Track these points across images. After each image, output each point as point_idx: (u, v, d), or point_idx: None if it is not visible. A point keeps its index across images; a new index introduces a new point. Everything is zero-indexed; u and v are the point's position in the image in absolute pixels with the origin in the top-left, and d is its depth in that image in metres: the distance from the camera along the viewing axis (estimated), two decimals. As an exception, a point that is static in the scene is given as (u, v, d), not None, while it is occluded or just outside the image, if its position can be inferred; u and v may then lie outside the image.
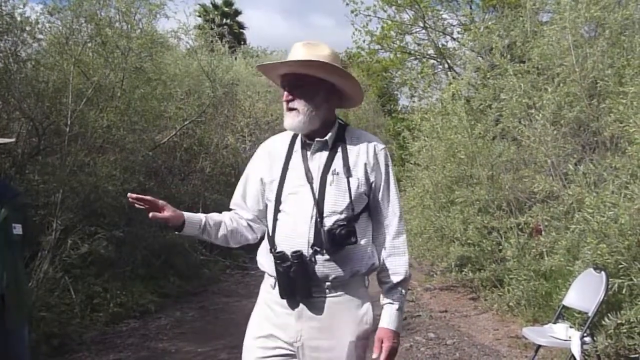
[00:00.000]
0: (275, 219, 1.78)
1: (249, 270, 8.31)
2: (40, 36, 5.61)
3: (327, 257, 1.70)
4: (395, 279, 1.78)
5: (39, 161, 5.42)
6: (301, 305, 1.72)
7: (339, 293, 1.74)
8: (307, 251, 1.69)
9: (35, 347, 4.05)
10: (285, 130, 1.88)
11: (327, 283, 1.72)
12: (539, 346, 3.78)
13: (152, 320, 5.57)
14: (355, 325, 1.75)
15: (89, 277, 5.36)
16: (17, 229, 2.43)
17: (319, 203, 1.72)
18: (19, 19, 5.15)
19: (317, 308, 1.72)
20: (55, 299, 4.71)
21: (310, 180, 1.74)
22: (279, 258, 1.69)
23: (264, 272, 1.86)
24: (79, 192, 5.35)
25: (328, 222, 1.69)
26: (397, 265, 1.79)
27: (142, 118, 6.74)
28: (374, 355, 1.74)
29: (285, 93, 1.78)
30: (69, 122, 5.30)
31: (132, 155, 6.43)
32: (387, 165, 1.83)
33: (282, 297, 1.72)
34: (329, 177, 1.75)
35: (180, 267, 7.13)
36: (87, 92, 5.58)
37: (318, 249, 1.69)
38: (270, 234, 1.79)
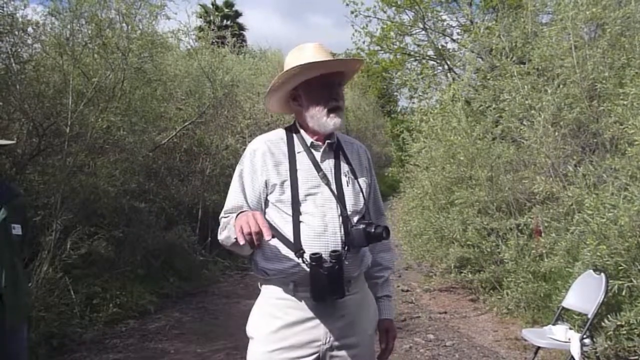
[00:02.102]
0: (297, 221, 1.71)
1: (248, 271, 8.29)
2: (42, 37, 5.62)
3: (354, 255, 1.74)
4: (387, 272, 1.98)
5: (39, 162, 5.42)
6: (330, 306, 1.70)
7: (357, 289, 1.79)
8: (341, 250, 1.69)
9: (34, 347, 4.05)
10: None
11: (351, 281, 1.75)
12: (539, 348, 3.78)
13: (151, 320, 5.57)
14: (372, 318, 1.85)
15: (88, 278, 5.36)
16: (17, 230, 2.42)
17: (341, 203, 1.74)
18: (20, 20, 5.16)
19: (344, 307, 1.73)
20: (55, 299, 4.71)
21: (326, 181, 1.75)
22: (316, 260, 1.63)
23: (267, 279, 1.76)
24: (79, 192, 5.35)
25: (354, 222, 1.75)
26: (388, 260, 1.98)
27: (142, 119, 6.74)
28: (383, 345, 1.89)
29: (336, 91, 1.78)
30: (69, 123, 5.30)
31: (132, 156, 6.43)
32: (372, 168, 1.96)
33: (316, 300, 1.67)
34: (343, 179, 1.79)
35: (180, 267, 7.13)
36: (87, 93, 5.58)
37: (349, 248, 1.72)
38: (293, 236, 1.70)
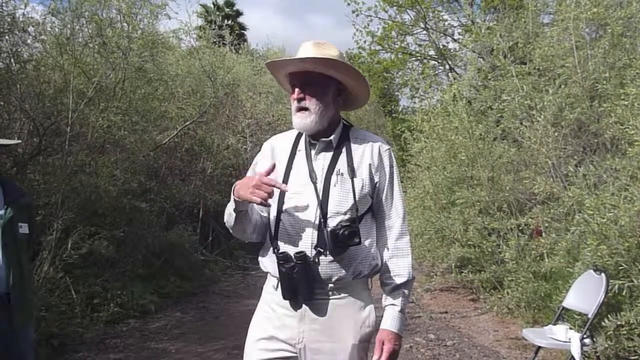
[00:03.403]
0: (277, 219, 1.74)
1: (249, 271, 8.31)
2: (43, 37, 5.63)
3: (330, 258, 1.68)
4: (398, 280, 1.77)
5: (39, 161, 5.43)
6: (304, 306, 1.70)
7: (342, 295, 1.72)
8: (310, 252, 1.67)
9: (35, 347, 4.05)
10: (291, 128, 1.87)
11: (330, 285, 1.70)
12: (539, 347, 3.78)
13: (152, 320, 5.58)
14: (357, 328, 1.73)
15: (89, 277, 5.36)
16: (23, 228, 2.44)
17: (323, 204, 1.70)
18: (20, 19, 5.16)
19: (319, 310, 1.70)
20: (56, 299, 4.71)
21: (314, 180, 1.72)
22: (282, 259, 1.66)
23: (266, 273, 1.83)
24: (80, 192, 5.36)
25: (332, 223, 1.68)
26: (400, 267, 1.78)
27: (143, 118, 6.74)
28: (375, 357, 1.72)
29: (297, 91, 1.74)
30: (70, 122, 5.31)
31: (133, 155, 6.44)
32: (391, 166, 1.83)
33: (285, 298, 1.69)
34: (333, 178, 1.73)
35: (181, 267, 7.14)
36: (88, 93, 5.59)
37: (321, 250, 1.67)
38: (273, 234, 1.75)
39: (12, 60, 5.24)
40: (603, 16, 4.71)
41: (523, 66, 5.58)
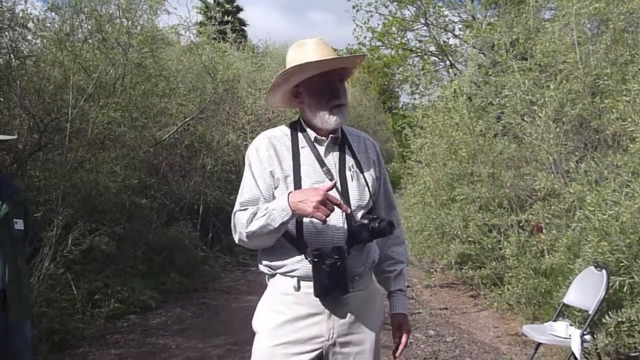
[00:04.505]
0: (301, 218, 1.70)
1: (249, 267, 8.31)
2: (42, 33, 5.62)
3: (358, 251, 1.73)
4: (400, 266, 1.92)
5: (40, 157, 5.43)
6: (333, 302, 1.69)
7: (362, 286, 1.77)
8: (344, 246, 1.68)
9: (36, 343, 4.06)
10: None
11: (356, 277, 1.74)
12: (539, 344, 3.78)
13: (152, 316, 5.59)
14: (378, 315, 1.83)
15: (90, 273, 5.37)
16: (19, 225, 2.43)
17: (345, 199, 1.72)
18: (20, 15, 5.15)
19: (347, 304, 1.72)
20: (57, 295, 4.72)
21: (330, 176, 1.74)
22: (318, 256, 1.63)
23: (273, 274, 1.78)
24: (80, 188, 5.36)
25: (358, 217, 1.73)
26: (400, 254, 1.94)
27: (143, 114, 6.73)
28: (397, 340, 1.86)
29: (340, 88, 1.76)
30: (70, 119, 5.30)
31: (133, 151, 6.43)
32: (382, 161, 1.94)
33: (317, 296, 1.66)
34: (348, 173, 1.77)
35: (181, 263, 7.14)
36: (87, 89, 5.58)
37: (352, 244, 1.70)
38: (295, 232, 1.71)
39: (12, 56, 5.23)
40: (605, 12, 4.70)
41: (524, 62, 5.57)
